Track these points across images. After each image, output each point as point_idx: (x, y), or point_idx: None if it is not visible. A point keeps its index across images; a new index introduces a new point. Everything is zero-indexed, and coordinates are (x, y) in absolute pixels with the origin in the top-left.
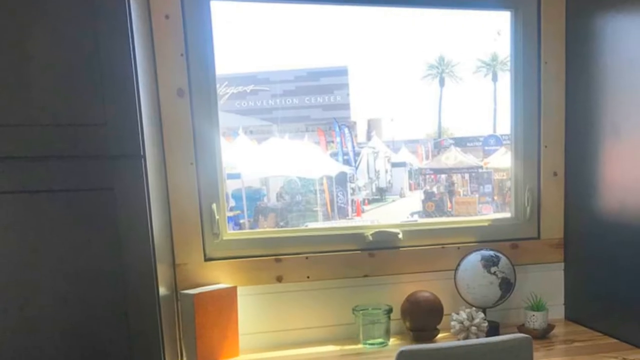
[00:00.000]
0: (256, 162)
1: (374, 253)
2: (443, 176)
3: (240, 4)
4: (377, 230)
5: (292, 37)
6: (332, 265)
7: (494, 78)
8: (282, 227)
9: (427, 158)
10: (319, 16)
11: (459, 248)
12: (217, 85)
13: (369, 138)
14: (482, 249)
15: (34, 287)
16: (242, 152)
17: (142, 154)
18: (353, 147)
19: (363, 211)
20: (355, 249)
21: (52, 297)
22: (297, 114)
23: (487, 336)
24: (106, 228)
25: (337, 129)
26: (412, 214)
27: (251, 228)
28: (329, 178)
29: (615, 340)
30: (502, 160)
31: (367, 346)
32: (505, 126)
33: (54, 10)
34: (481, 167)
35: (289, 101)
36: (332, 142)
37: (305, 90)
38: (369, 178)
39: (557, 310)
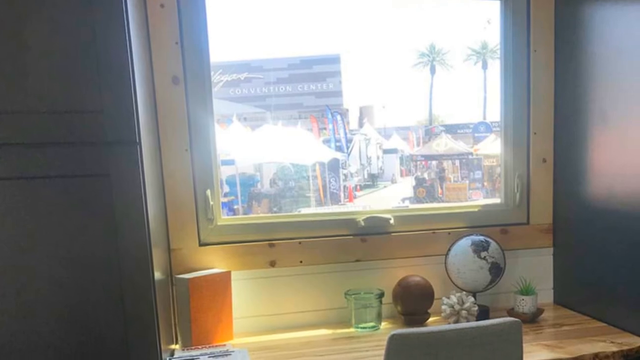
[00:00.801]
0: (250, 148)
1: (365, 238)
2: (434, 162)
3: None
4: (369, 215)
5: (286, 25)
6: (324, 250)
7: (484, 66)
8: (275, 212)
9: (418, 145)
10: (312, 4)
11: (449, 233)
12: (212, 73)
13: (360, 125)
14: (472, 234)
15: (31, 271)
16: (236, 139)
17: (137, 140)
18: (345, 133)
19: (355, 197)
20: (348, 234)
21: (49, 282)
22: (290, 102)
23: (477, 320)
24: (102, 213)
25: (330, 116)
26: (403, 200)
27: (245, 213)
28: (322, 164)
29: (603, 324)
30: (492, 146)
31: (359, 330)
32: (495, 113)
33: (51, 0)
34: (471, 153)
35: (282, 89)
36: (325, 129)
37: (298, 77)
38: (361, 164)
39: (546, 295)
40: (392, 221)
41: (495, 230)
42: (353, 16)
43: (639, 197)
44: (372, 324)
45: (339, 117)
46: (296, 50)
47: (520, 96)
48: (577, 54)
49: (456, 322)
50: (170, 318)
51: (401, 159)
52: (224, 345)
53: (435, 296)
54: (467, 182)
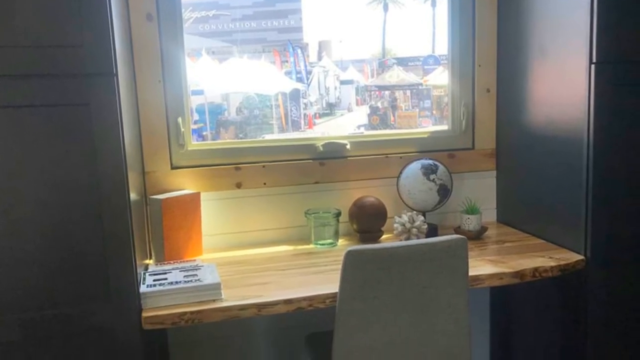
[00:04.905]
0: (218, 79)
1: (324, 162)
2: (387, 92)
3: None
4: (327, 141)
5: None
6: (286, 173)
7: (433, 3)
8: (241, 138)
9: (372, 76)
10: None
11: (401, 157)
12: (183, 10)
13: (319, 58)
14: (422, 159)
15: (18, 193)
16: (205, 71)
17: (114, 72)
18: (305, 66)
19: (314, 124)
20: (307, 158)
21: (34, 203)
22: (254, 37)
23: (426, 237)
24: (82, 140)
25: (291, 49)
26: (358, 127)
27: (213, 139)
28: (284, 94)
29: (542, 241)
30: (440, 78)
31: (318, 246)
32: (443, 47)
33: None
34: (421, 84)
35: (247, 25)
36: (287, 61)
37: (262, 14)
38: (320, 94)
39: (489, 214)
40: (348, 146)
41: (443, 155)
42: None
43: (575, 124)
44: (329, 241)
45: (299, 51)
46: None
47: (466, 31)
48: None
49: (407, 239)
50: (145, 235)
51: (357, 89)
52: (194, 260)
53: (388, 215)
54: (417, 110)
